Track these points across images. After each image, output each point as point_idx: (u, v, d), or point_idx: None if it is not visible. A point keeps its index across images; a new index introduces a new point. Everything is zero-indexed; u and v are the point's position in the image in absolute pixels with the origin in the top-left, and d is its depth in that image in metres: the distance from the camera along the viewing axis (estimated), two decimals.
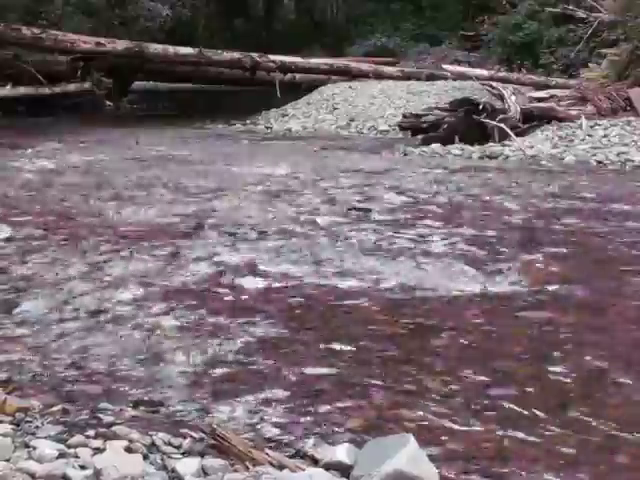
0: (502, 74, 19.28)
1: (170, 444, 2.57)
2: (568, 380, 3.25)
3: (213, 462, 2.42)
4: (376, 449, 2.43)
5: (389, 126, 14.60)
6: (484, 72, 19.47)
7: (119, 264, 4.88)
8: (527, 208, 6.87)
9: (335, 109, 16.43)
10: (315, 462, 2.49)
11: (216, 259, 5.03)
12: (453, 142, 11.37)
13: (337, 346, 3.59)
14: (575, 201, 7.25)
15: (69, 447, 2.50)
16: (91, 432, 2.64)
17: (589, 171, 9.29)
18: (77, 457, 2.43)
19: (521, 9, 22.69)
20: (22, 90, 16.77)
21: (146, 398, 2.99)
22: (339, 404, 2.99)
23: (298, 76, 20.12)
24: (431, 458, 2.44)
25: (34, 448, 2.47)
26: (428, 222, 6.23)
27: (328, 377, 3.26)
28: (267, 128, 15.41)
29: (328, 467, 2.42)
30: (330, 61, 20.92)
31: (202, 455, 2.49)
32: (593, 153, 10.27)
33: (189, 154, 10.75)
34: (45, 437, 2.58)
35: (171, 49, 18.51)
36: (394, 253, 5.23)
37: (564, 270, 4.92)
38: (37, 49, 17.43)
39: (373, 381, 3.21)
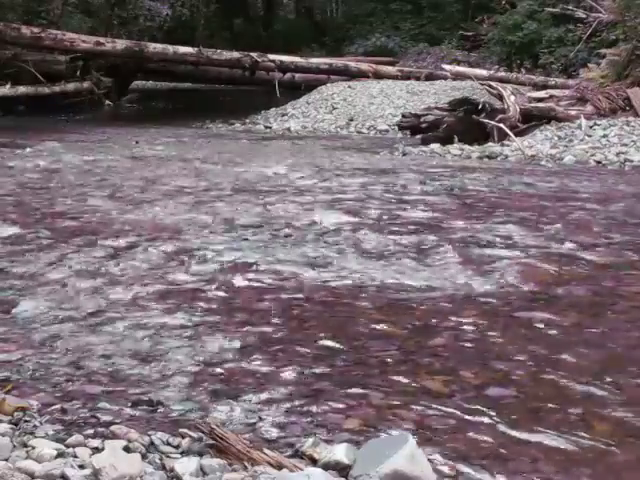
0: (501, 74, 19.31)
1: (169, 444, 2.57)
2: (567, 380, 3.24)
3: (211, 462, 2.42)
4: (375, 449, 2.43)
5: (388, 126, 14.62)
6: (483, 72, 19.50)
7: (119, 263, 4.88)
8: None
9: (334, 109, 16.43)
10: (314, 462, 2.49)
11: (214, 258, 5.03)
12: (452, 142, 11.37)
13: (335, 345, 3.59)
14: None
15: (67, 446, 2.50)
16: (90, 431, 2.64)
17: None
18: (76, 456, 2.43)
19: (520, 9, 22.71)
20: (21, 89, 16.78)
21: (144, 397, 2.99)
22: (338, 404, 2.99)
23: (297, 76, 20.14)
24: (430, 458, 2.44)
25: (33, 447, 2.47)
26: (424, 223, 6.25)
27: (327, 376, 3.26)
28: (266, 128, 15.41)
29: (327, 467, 2.42)
30: (329, 61, 20.93)
31: (200, 455, 2.49)
32: (592, 153, 10.28)
33: (188, 154, 10.75)
34: (43, 436, 2.58)
35: (170, 48, 18.51)
36: (392, 253, 5.23)
37: (562, 270, 4.92)
38: (36, 48, 17.44)
39: (372, 381, 3.20)
